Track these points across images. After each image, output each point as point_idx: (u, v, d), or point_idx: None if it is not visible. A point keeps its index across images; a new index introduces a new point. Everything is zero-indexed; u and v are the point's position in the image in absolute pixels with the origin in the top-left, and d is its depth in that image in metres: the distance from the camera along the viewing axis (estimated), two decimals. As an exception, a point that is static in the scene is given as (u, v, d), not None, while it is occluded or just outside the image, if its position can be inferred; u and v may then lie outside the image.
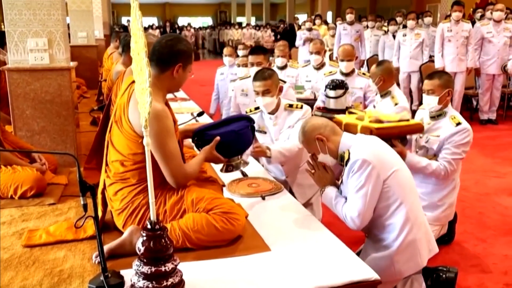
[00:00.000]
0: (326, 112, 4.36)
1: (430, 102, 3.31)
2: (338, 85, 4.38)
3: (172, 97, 5.74)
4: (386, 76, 4.04)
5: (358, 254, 2.44)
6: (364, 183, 2.36)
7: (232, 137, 2.50)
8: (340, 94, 4.34)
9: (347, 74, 4.91)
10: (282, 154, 3.20)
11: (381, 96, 4.12)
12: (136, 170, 2.22)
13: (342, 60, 4.90)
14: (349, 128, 3.18)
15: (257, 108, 3.52)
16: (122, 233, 2.19)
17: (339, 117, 3.46)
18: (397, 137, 3.23)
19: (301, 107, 3.40)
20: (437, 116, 3.34)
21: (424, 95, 3.39)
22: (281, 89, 3.40)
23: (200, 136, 2.51)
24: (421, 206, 2.61)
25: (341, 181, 2.56)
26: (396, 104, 3.95)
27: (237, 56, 6.20)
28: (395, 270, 2.42)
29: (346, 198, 2.49)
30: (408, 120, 3.30)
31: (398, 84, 8.28)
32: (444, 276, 2.71)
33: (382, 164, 2.39)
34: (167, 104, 2.31)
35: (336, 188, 2.59)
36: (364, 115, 3.36)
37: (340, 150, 2.51)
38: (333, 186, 2.60)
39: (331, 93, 4.38)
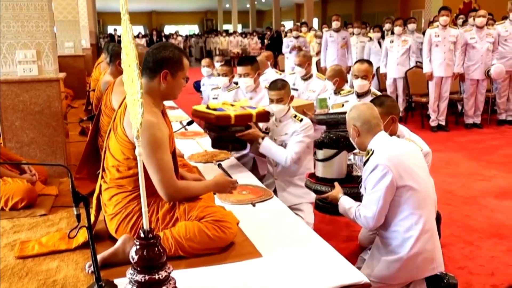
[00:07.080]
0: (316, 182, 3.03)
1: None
2: (330, 141, 2.96)
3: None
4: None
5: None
6: (379, 187, 2.46)
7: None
8: (330, 155, 2.95)
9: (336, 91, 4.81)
10: (269, 149, 3.56)
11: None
12: (131, 177, 2.25)
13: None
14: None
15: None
16: (114, 242, 2.21)
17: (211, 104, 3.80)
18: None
19: (301, 120, 3.60)
20: None
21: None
22: (292, 98, 3.69)
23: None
24: (435, 221, 2.65)
25: (360, 179, 2.69)
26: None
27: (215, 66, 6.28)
28: (404, 275, 2.51)
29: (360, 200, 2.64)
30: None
31: (385, 90, 8.38)
32: (445, 281, 2.73)
33: (399, 172, 2.46)
34: (163, 113, 2.34)
35: (348, 197, 2.75)
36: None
37: (369, 146, 2.62)
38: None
39: (318, 153, 3.03)
